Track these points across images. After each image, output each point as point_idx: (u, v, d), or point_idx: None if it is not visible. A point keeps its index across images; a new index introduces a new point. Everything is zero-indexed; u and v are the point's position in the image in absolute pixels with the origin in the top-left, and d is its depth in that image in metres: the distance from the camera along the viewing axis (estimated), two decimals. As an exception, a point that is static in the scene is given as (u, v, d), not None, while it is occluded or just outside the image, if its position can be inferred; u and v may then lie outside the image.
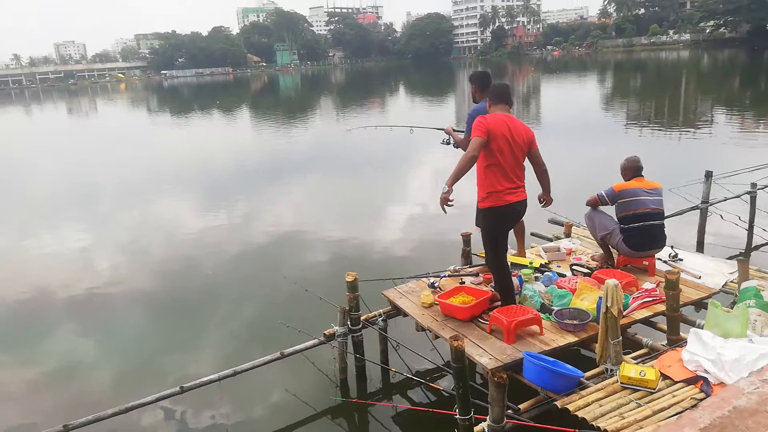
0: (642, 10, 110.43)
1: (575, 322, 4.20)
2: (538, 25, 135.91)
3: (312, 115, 32.93)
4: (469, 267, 5.70)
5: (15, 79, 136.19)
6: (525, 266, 5.35)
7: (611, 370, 3.67)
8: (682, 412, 3.15)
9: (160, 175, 15.94)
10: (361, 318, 4.89)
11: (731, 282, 4.91)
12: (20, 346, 6.26)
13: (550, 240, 6.64)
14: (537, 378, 3.65)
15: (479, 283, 5.18)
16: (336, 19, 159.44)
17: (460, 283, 5.17)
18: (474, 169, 4.29)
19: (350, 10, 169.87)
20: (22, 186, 15.80)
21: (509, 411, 3.48)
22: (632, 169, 5.21)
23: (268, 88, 70.07)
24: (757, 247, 7.48)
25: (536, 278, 5.15)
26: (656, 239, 5.14)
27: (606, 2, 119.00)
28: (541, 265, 5.50)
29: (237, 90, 68.41)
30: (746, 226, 7.61)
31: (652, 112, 23.25)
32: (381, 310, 5.04)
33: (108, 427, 4.22)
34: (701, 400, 3.21)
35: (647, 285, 4.74)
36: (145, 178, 15.68)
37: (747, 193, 7.67)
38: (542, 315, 4.34)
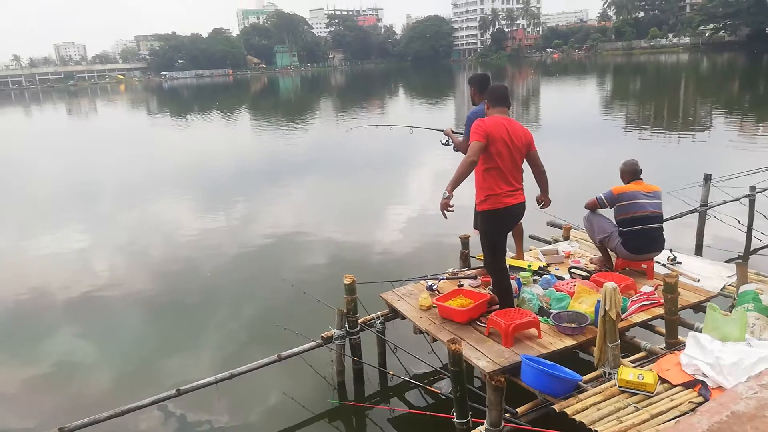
0: (641, 14, 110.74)
1: (573, 325, 4.19)
2: (538, 28, 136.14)
3: (312, 117, 32.94)
4: (468, 270, 5.69)
5: (15, 80, 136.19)
6: (523, 269, 5.34)
7: (609, 374, 3.66)
8: (680, 415, 3.14)
9: (160, 176, 15.93)
10: (359, 320, 4.88)
11: (730, 285, 4.89)
12: (16, 347, 6.24)
13: (549, 243, 6.63)
14: (535, 381, 3.64)
15: (477, 286, 5.17)
16: (336, 21, 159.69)
17: (459, 286, 5.16)
18: (472, 171, 4.28)
19: (350, 13, 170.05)
20: (22, 186, 15.79)
21: (507, 414, 3.47)
22: (631, 173, 5.21)
23: (267, 90, 70.11)
24: (755, 251, 7.47)
25: (534, 281, 5.13)
26: (655, 242, 5.13)
27: (606, 5, 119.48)
28: (540, 268, 5.49)
29: (237, 91, 68.42)
30: (745, 229, 7.61)
31: (651, 115, 23.27)
32: (379, 313, 5.03)
33: (104, 429, 4.19)
34: (699, 404, 3.20)
35: (646, 288, 4.73)
36: (144, 179, 15.67)
37: (746, 196, 7.67)
38: (540, 318, 4.32)
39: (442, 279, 5.35)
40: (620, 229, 5.14)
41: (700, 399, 3.27)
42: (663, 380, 3.50)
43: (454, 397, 3.42)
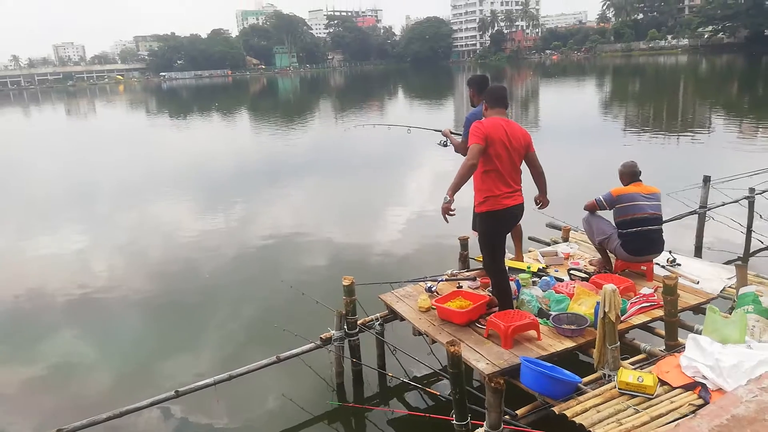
0: (640, 15, 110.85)
1: (573, 327, 4.18)
2: (537, 30, 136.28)
3: (311, 118, 32.95)
4: (467, 271, 5.68)
5: (13, 81, 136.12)
6: (523, 271, 5.33)
7: (609, 376, 3.65)
8: (680, 418, 3.13)
9: (159, 177, 15.91)
10: (358, 322, 4.87)
11: (729, 287, 4.89)
12: (15, 348, 6.23)
13: (548, 244, 6.62)
14: (534, 383, 3.63)
15: (477, 288, 5.16)
16: (335, 22, 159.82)
17: (458, 288, 5.16)
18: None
19: (349, 14, 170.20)
20: (21, 187, 15.77)
21: (506, 416, 3.47)
22: (629, 175, 5.21)
23: (267, 91, 70.10)
24: (755, 252, 7.48)
25: (534, 283, 5.12)
26: (654, 244, 5.13)
27: (605, 7, 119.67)
28: (539, 269, 5.49)
29: (236, 92, 68.41)
30: (744, 231, 7.61)
31: (650, 117, 23.30)
32: (378, 314, 5.01)
33: (102, 431, 4.18)
34: (699, 406, 3.20)
35: (645, 290, 4.73)
36: (143, 179, 15.65)
37: (745, 198, 7.67)
38: (540, 320, 4.32)
39: (441, 280, 5.34)
40: (619, 230, 5.14)
41: (700, 401, 3.27)
42: (663, 382, 3.50)
43: (453, 399, 3.41)
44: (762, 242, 7.53)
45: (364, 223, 10.30)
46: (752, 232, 7.63)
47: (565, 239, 6.56)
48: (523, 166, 4.49)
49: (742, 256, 7.30)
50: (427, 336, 4.48)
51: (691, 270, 5.31)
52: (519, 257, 5.69)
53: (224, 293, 7.37)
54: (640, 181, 5.21)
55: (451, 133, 5.68)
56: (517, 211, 4.46)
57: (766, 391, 1.73)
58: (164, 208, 12.32)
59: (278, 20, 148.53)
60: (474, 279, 5.33)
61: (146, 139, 26.73)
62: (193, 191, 13.87)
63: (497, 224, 4.47)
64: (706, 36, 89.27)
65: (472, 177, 4.33)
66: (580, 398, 3.46)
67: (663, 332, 4.20)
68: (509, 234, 5.02)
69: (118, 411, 4.11)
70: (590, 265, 5.58)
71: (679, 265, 5.45)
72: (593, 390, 3.54)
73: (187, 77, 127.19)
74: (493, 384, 3.21)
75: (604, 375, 3.68)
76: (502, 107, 4.46)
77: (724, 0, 79.97)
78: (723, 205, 7.65)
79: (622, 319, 4.16)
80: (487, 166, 4.27)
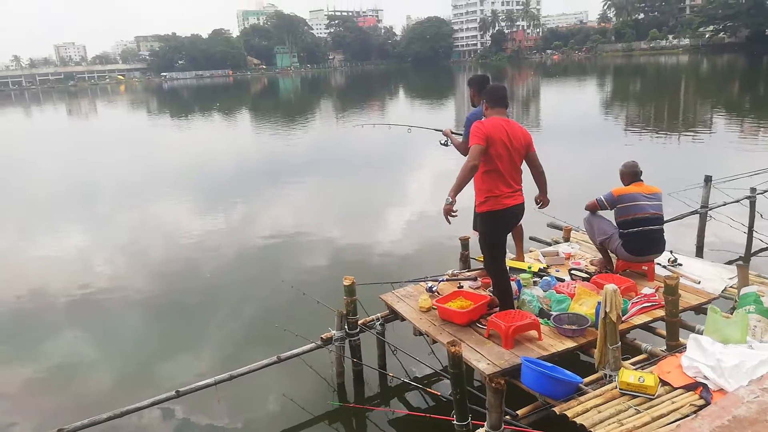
0: (641, 15, 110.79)
1: (574, 327, 4.18)
2: (538, 30, 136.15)
3: (312, 118, 32.96)
4: (468, 271, 5.67)
5: (15, 81, 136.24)
6: (523, 271, 5.32)
7: (610, 376, 3.64)
8: (681, 418, 3.13)
9: (160, 177, 15.92)
10: (359, 322, 4.87)
11: (731, 287, 4.88)
12: (16, 348, 6.23)
13: (549, 244, 6.62)
14: (535, 384, 3.62)
15: (477, 288, 5.16)
16: (336, 22, 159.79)
17: (459, 288, 5.16)
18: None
19: (350, 14, 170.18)
20: (22, 187, 15.78)
21: (507, 417, 3.46)
22: (630, 174, 5.20)
23: (268, 91, 70.13)
24: (756, 252, 7.47)
25: (535, 283, 5.12)
26: (655, 244, 5.12)
27: (605, 7, 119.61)
28: (540, 269, 5.48)
29: (237, 92, 68.45)
30: (746, 230, 7.60)
31: (651, 117, 23.28)
32: (379, 314, 5.01)
33: (103, 430, 4.18)
34: (701, 406, 3.19)
35: (646, 290, 4.72)
36: (144, 179, 15.66)
37: (746, 197, 7.66)
38: (541, 320, 4.31)
39: (442, 280, 5.34)
40: (620, 230, 5.13)
41: (702, 402, 3.26)
42: (664, 383, 3.49)
43: (454, 399, 3.41)
44: (763, 242, 7.51)
45: (364, 223, 10.30)
46: (753, 232, 7.61)
47: (566, 239, 6.56)
48: (524, 166, 4.48)
49: (743, 256, 7.29)
50: (428, 336, 4.48)
51: (692, 270, 5.30)
52: (520, 257, 5.68)
53: (225, 293, 7.37)
54: (642, 180, 5.20)
55: (452, 133, 5.68)
56: (518, 210, 4.46)
57: None
58: (165, 208, 12.32)
59: (279, 20, 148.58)
60: (475, 279, 5.32)
61: (147, 139, 26.75)
62: (194, 191, 13.88)
63: (498, 224, 4.46)
64: (707, 36, 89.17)
65: (473, 178, 4.33)
66: (581, 398, 3.46)
67: (664, 332, 4.20)
68: (510, 234, 5.02)
69: (119, 411, 4.11)
70: (591, 265, 5.57)
71: (681, 265, 5.45)
72: (594, 390, 3.53)
73: (188, 77, 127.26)
74: (493, 384, 3.21)
75: (605, 375, 3.68)
76: (503, 107, 4.46)
77: (725, 0, 79.90)
78: (724, 204, 7.64)
79: (623, 319, 4.15)
80: (488, 167, 4.26)
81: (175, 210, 12.11)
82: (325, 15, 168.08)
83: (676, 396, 3.37)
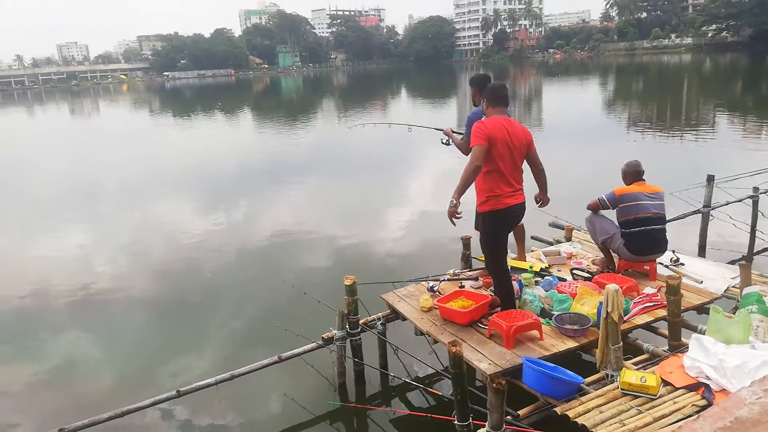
0: (644, 14, 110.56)
1: (575, 327, 4.16)
2: (540, 29, 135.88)
3: (313, 117, 32.96)
4: (469, 271, 5.66)
5: (18, 80, 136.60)
6: (525, 270, 5.31)
7: (612, 376, 3.63)
8: (683, 418, 3.11)
9: (162, 177, 15.93)
10: (360, 322, 4.86)
11: (733, 287, 4.86)
12: (17, 348, 6.24)
13: (551, 244, 6.60)
14: (536, 384, 3.61)
15: (479, 287, 5.15)
16: (338, 21, 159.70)
17: (460, 287, 5.15)
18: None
19: (352, 13, 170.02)
20: (25, 186, 15.81)
21: (508, 417, 3.45)
22: (633, 174, 5.18)
23: (270, 90, 70.17)
24: (759, 252, 7.44)
25: (536, 282, 5.10)
26: (657, 244, 5.11)
27: (608, 6, 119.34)
28: (542, 269, 5.47)
29: (239, 92, 68.51)
30: (748, 230, 7.57)
31: (654, 116, 23.22)
32: (380, 314, 5.00)
33: (104, 430, 4.18)
34: (703, 407, 3.18)
35: (648, 290, 4.71)
36: (146, 179, 15.68)
37: (749, 197, 7.63)
38: (542, 320, 4.30)
39: (444, 280, 5.33)
40: (623, 230, 5.12)
41: (704, 402, 3.25)
42: (666, 383, 3.48)
43: (455, 399, 3.40)
44: (766, 241, 7.49)
45: (366, 223, 10.29)
46: (756, 232, 7.59)
47: (568, 239, 6.54)
48: (524, 165, 4.47)
49: (746, 255, 7.26)
50: (429, 336, 4.47)
51: (694, 269, 5.29)
52: (522, 257, 5.67)
53: (226, 293, 7.37)
54: (644, 180, 5.18)
55: (453, 132, 5.67)
56: (519, 210, 4.45)
57: (770, 392, 1.72)
58: (167, 208, 12.33)
59: (281, 20, 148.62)
60: (476, 279, 5.31)
61: (149, 139, 26.78)
62: (196, 191, 13.88)
63: (499, 224, 4.46)
64: (709, 35, 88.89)
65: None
66: (583, 399, 3.45)
67: (666, 332, 4.18)
68: (512, 233, 5.01)
69: (120, 411, 4.11)
70: (593, 264, 5.55)
71: (683, 264, 5.43)
72: (596, 390, 3.52)
73: (190, 77, 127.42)
74: (494, 384, 3.19)
75: (607, 375, 3.66)
76: (503, 106, 4.45)
77: (728, -1, 79.83)
78: (727, 204, 7.62)
79: (625, 319, 4.14)
80: (490, 167, 4.25)
81: (176, 209, 12.12)
82: (327, 14, 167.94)
83: (678, 396, 3.36)
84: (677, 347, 3.96)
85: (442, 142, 5.77)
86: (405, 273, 6.25)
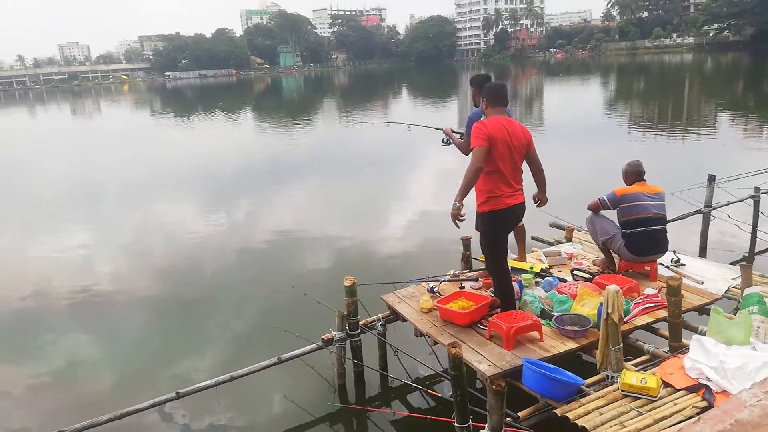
0: (645, 14, 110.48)
1: (576, 328, 4.15)
2: (542, 28, 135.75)
3: (314, 117, 32.96)
4: (469, 271, 5.65)
5: (19, 80, 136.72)
6: (525, 271, 5.29)
7: (612, 378, 3.62)
8: (684, 420, 3.10)
9: (163, 177, 15.94)
10: (360, 323, 4.85)
11: (734, 288, 4.85)
12: (16, 349, 6.23)
13: (551, 244, 6.58)
14: (536, 385, 3.60)
15: (479, 288, 5.13)
16: (339, 21, 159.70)
17: (460, 288, 5.13)
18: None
19: (353, 13, 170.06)
20: (26, 186, 15.82)
21: (508, 419, 3.44)
22: (634, 174, 5.17)
23: (271, 90, 70.18)
24: (760, 252, 7.42)
25: (536, 283, 5.09)
26: (658, 244, 5.09)
27: (609, 5, 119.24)
28: (542, 269, 5.45)
29: (240, 92, 68.53)
30: (749, 230, 7.55)
31: (655, 116, 23.19)
32: (380, 315, 4.99)
33: (103, 432, 4.18)
34: (703, 408, 3.17)
35: (649, 290, 4.69)
36: (147, 179, 15.69)
37: (750, 197, 7.62)
38: (542, 321, 4.28)
39: (444, 281, 5.31)
40: (623, 230, 5.10)
41: (704, 403, 3.23)
42: (666, 384, 3.46)
43: (455, 401, 3.39)
44: (767, 242, 7.47)
45: (366, 223, 10.28)
46: (757, 232, 7.57)
47: (569, 239, 6.52)
48: (523, 165, 4.46)
49: (747, 256, 7.25)
50: (429, 337, 4.46)
51: (695, 270, 5.27)
52: (522, 257, 5.66)
53: (226, 294, 7.36)
54: (645, 180, 5.16)
55: (453, 132, 5.65)
56: (519, 210, 4.44)
57: (771, 395, 1.70)
58: (167, 208, 12.33)
59: (282, 19, 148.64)
60: (476, 279, 5.29)
61: (151, 139, 26.79)
62: (197, 191, 13.89)
63: (499, 224, 4.45)
64: (711, 34, 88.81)
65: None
66: (583, 400, 3.43)
67: (667, 333, 4.16)
68: (512, 234, 4.99)
69: (119, 412, 4.10)
70: (594, 265, 5.54)
71: (684, 265, 5.41)
72: (596, 392, 3.51)
73: (191, 77, 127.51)
74: (494, 386, 3.19)
75: (607, 377, 3.65)
76: (502, 105, 4.43)
77: (729, -3, 79.73)
78: (728, 204, 7.60)
79: (625, 320, 4.12)
80: (490, 167, 4.24)
81: (177, 210, 12.12)
82: (329, 14, 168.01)
83: (679, 398, 3.35)
84: (678, 348, 3.95)
85: (443, 142, 5.75)
86: (405, 274, 6.24)
